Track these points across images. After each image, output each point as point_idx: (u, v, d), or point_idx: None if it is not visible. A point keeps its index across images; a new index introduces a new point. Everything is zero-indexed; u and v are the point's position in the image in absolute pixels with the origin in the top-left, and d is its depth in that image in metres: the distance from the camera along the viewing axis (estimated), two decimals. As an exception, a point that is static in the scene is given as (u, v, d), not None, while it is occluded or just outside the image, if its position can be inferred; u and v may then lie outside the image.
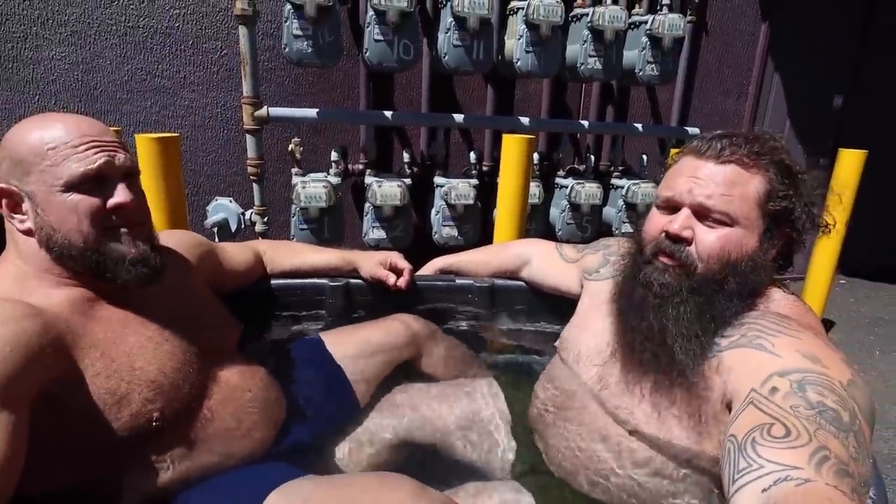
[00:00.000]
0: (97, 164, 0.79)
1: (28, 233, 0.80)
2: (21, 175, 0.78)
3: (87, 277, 0.83)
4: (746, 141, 0.86)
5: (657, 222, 0.91)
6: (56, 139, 0.78)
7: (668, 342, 0.85)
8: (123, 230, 0.83)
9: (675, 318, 0.84)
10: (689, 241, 0.86)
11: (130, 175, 0.85)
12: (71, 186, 0.78)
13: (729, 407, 0.78)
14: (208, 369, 0.92)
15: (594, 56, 2.55)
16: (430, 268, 1.51)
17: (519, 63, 2.47)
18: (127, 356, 0.80)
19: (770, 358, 0.75)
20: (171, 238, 1.04)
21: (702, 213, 0.85)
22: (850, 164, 2.53)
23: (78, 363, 0.76)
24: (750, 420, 0.70)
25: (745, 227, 0.84)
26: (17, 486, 0.63)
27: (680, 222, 0.86)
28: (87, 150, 0.79)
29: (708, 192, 0.84)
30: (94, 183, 0.79)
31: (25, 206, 0.79)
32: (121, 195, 0.81)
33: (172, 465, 0.83)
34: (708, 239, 0.85)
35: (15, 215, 0.80)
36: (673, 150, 0.98)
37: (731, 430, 0.71)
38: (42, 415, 0.70)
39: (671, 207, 0.89)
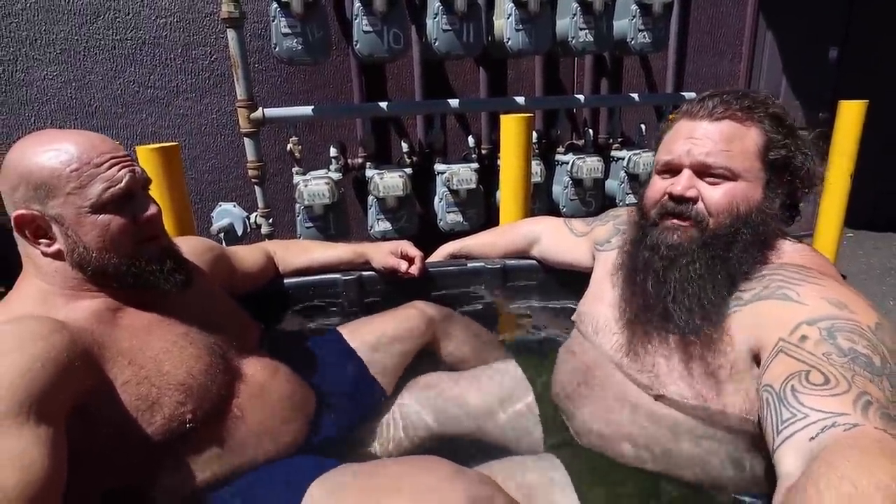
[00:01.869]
0: (124, 181, 0.80)
1: (56, 255, 0.80)
2: (43, 199, 0.77)
3: (109, 289, 0.83)
4: (736, 97, 0.87)
5: (658, 187, 0.92)
6: (76, 159, 0.77)
7: (678, 301, 0.85)
8: (152, 243, 0.85)
9: (685, 276, 0.85)
10: (694, 200, 0.87)
11: (147, 185, 0.87)
12: (100, 207, 0.78)
13: (756, 360, 0.78)
14: (234, 369, 0.94)
15: (585, 28, 2.52)
16: (440, 254, 1.52)
17: (510, 42, 2.45)
18: (154, 361, 0.81)
19: (796, 307, 0.75)
20: (183, 245, 1.03)
21: (703, 171, 0.86)
22: (850, 115, 2.50)
23: (107, 373, 0.76)
24: (784, 368, 0.69)
25: (748, 179, 0.85)
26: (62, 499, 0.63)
27: (683, 183, 0.87)
28: (109, 167, 0.79)
29: (706, 150, 0.85)
30: (121, 200, 0.80)
31: (52, 230, 0.79)
32: (150, 208, 0.84)
33: (208, 465, 0.84)
34: (714, 195, 0.85)
35: (40, 240, 0.79)
36: (672, 117, 0.98)
37: (766, 380, 0.71)
38: (78, 427, 0.70)
39: (671, 171, 0.90)
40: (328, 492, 0.77)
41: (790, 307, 0.76)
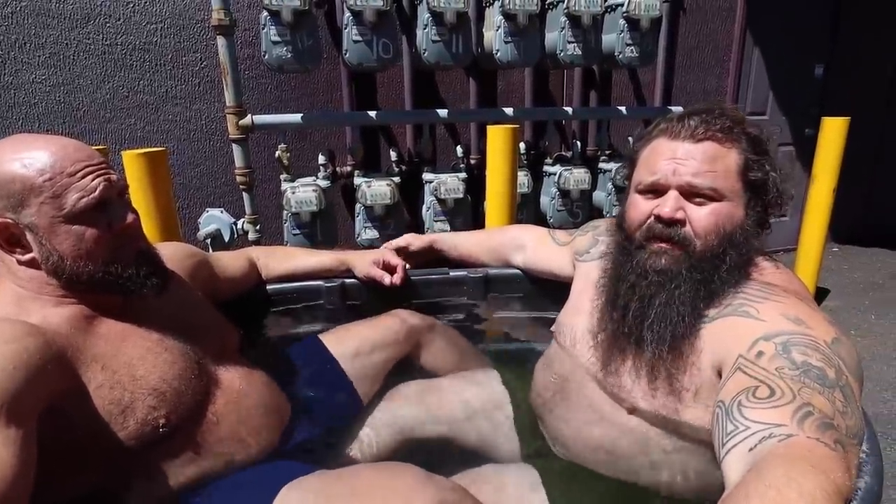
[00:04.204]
0: (98, 191, 0.78)
1: (31, 263, 0.79)
2: (16, 207, 0.76)
3: (85, 294, 0.83)
4: (715, 116, 0.88)
5: (642, 208, 0.90)
6: (49, 168, 0.76)
7: (653, 328, 0.86)
8: (128, 249, 0.84)
9: (669, 300, 0.85)
10: (682, 223, 0.86)
11: (123, 192, 0.85)
12: (74, 217, 0.77)
13: (720, 376, 0.79)
14: (211, 375, 0.93)
15: (573, 42, 2.56)
16: (423, 240, 1.47)
17: (499, 54, 2.48)
18: (127, 367, 0.81)
19: (755, 323, 0.77)
20: (163, 250, 1.03)
21: (690, 192, 0.86)
22: (833, 131, 2.55)
23: (81, 377, 0.76)
24: (736, 385, 0.71)
25: (732, 199, 0.85)
26: (31, 498, 0.63)
27: (671, 205, 0.86)
28: (83, 176, 0.77)
29: (693, 170, 0.85)
30: (96, 210, 0.79)
31: (28, 238, 0.78)
32: (125, 217, 0.83)
33: (182, 469, 0.84)
34: (701, 216, 0.85)
35: (15, 248, 0.78)
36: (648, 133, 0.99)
37: (720, 397, 0.73)
38: (51, 428, 0.70)
39: (656, 191, 0.89)
40: (299, 496, 0.78)
41: (749, 324, 0.77)
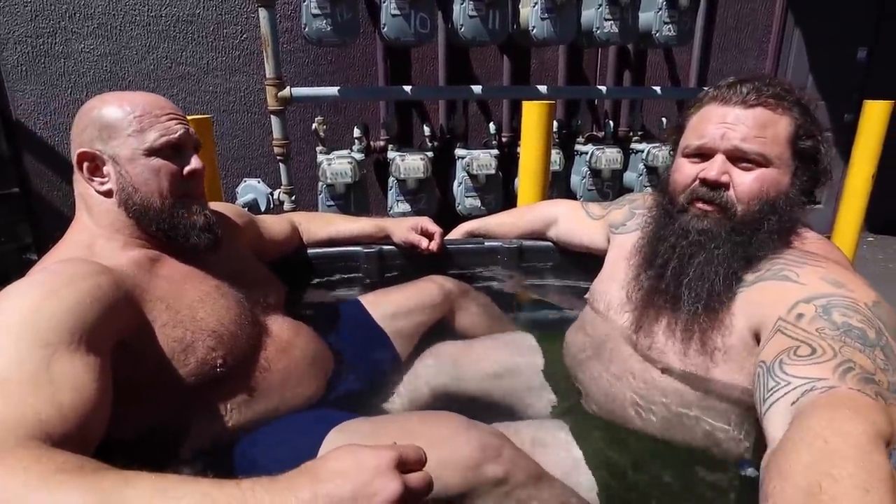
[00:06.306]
0: (178, 133, 0.89)
1: (107, 193, 0.88)
2: (106, 139, 0.86)
3: (152, 239, 0.91)
4: (766, 84, 0.88)
5: (688, 171, 0.92)
6: (140, 108, 0.87)
7: (692, 285, 0.88)
8: (191, 200, 0.92)
9: (708, 260, 0.87)
10: (726, 186, 0.88)
11: (197, 148, 0.95)
12: (154, 151, 0.87)
13: (757, 338, 0.81)
14: (261, 324, 0.99)
15: (610, 20, 2.54)
16: (459, 231, 1.56)
17: (535, 31, 2.47)
18: (189, 308, 0.87)
19: (795, 287, 0.78)
20: (216, 208, 1.10)
21: (737, 157, 0.87)
22: (875, 115, 2.49)
23: (147, 315, 0.82)
24: (777, 346, 0.73)
25: (779, 166, 0.87)
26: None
27: (717, 168, 0.87)
28: (167, 120, 0.89)
29: (742, 135, 0.86)
30: (172, 150, 0.89)
31: (107, 168, 0.87)
32: (195, 163, 0.92)
33: (235, 411, 0.90)
34: (745, 181, 0.87)
35: (95, 177, 0.88)
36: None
37: (760, 357, 0.75)
38: (121, 363, 0.75)
39: (703, 155, 0.91)
40: (346, 438, 0.82)
41: (789, 287, 0.79)
